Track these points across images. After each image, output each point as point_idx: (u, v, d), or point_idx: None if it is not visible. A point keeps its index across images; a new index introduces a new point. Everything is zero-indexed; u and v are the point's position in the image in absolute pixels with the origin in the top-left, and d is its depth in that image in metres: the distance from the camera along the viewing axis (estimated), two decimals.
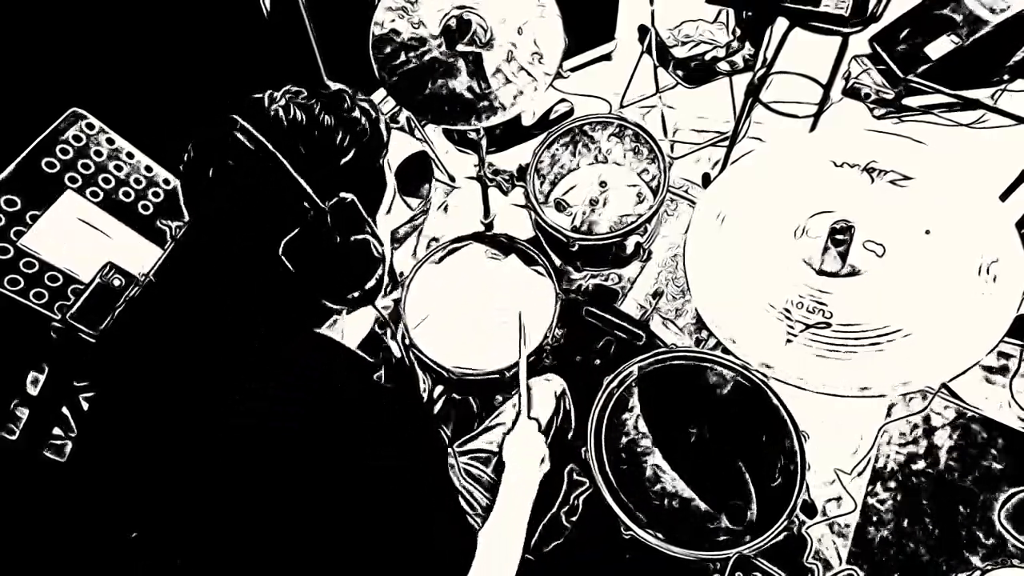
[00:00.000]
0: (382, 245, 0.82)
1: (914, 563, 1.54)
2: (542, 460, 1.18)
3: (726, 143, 2.10)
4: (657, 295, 2.05)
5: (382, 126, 0.82)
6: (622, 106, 2.58)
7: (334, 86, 0.81)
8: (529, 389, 1.29)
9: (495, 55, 1.47)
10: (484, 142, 1.77)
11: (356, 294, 0.81)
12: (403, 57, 1.49)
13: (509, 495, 1.11)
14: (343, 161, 0.75)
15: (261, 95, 0.77)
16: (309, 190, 0.71)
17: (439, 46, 1.48)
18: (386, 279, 0.86)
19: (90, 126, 1.43)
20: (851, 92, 2.46)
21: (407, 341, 1.52)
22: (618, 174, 1.82)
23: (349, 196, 0.75)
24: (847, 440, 1.72)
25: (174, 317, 0.83)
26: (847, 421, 1.74)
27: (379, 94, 2.44)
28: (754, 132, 2.34)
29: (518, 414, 1.24)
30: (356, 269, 0.79)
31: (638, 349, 1.72)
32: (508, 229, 1.72)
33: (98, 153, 1.44)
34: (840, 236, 1.02)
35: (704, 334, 1.94)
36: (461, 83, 1.49)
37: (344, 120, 0.76)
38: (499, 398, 1.58)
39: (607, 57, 2.74)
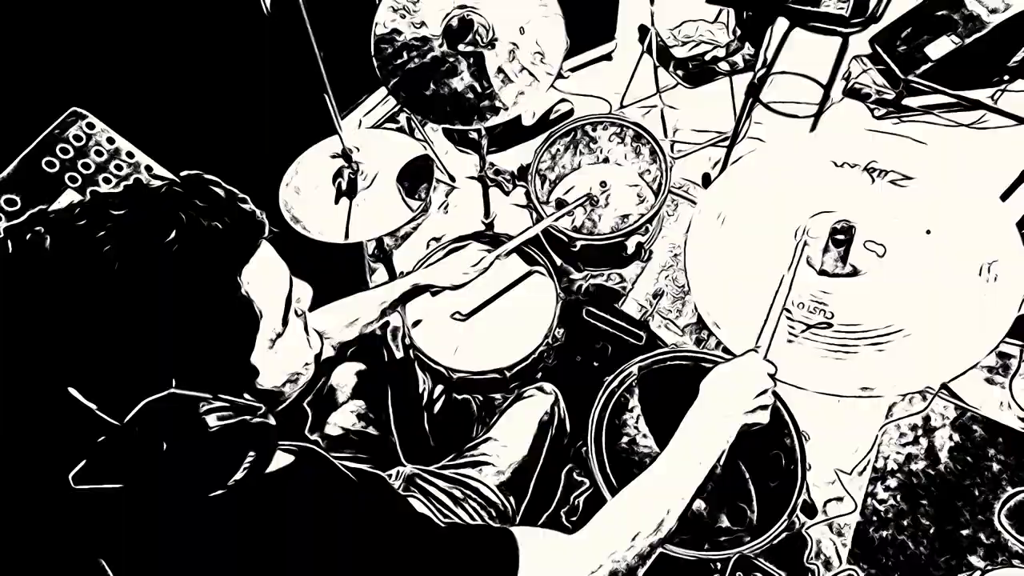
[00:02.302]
0: (256, 406, 0.65)
1: (914, 563, 1.54)
2: (759, 406, 0.89)
3: (726, 143, 2.10)
4: (657, 295, 2.05)
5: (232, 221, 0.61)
6: (622, 106, 2.58)
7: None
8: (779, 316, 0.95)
9: (496, 55, 1.47)
10: (485, 142, 1.77)
11: (221, 491, 0.62)
12: (404, 57, 1.49)
13: (692, 427, 0.87)
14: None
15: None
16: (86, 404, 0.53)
17: (440, 46, 1.48)
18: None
19: (90, 126, 1.43)
20: (851, 92, 2.46)
21: (407, 341, 1.52)
22: (618, 174, 1.82)
23: (166, 392, 0.56)
24: (847, 440, 1.72)
25: None
26: (847, 421, 1.74)
27: (380, 93, 2.45)
28: (754, 132, 2.34)
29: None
30: (204, 468, 0.61)
31: (638, 349, 1.72)
32: (508, 229, 1.72)
33: (98, 153, 1.44)
34: (840, 236, 1.02)
35: (704, 334, 1.94)
36: (462, 83, 1.49)
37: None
38: (498, 398, 1.58)
39: (607, 57, 2.74)
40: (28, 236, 0.54)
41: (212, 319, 0.60)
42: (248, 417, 0.63)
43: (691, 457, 0.84)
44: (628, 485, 0.82)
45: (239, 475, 0.62)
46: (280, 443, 0.71)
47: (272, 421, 0.67)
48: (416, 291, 1.35)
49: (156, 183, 0.61)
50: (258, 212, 0.65)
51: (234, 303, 0.61)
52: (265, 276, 0.66)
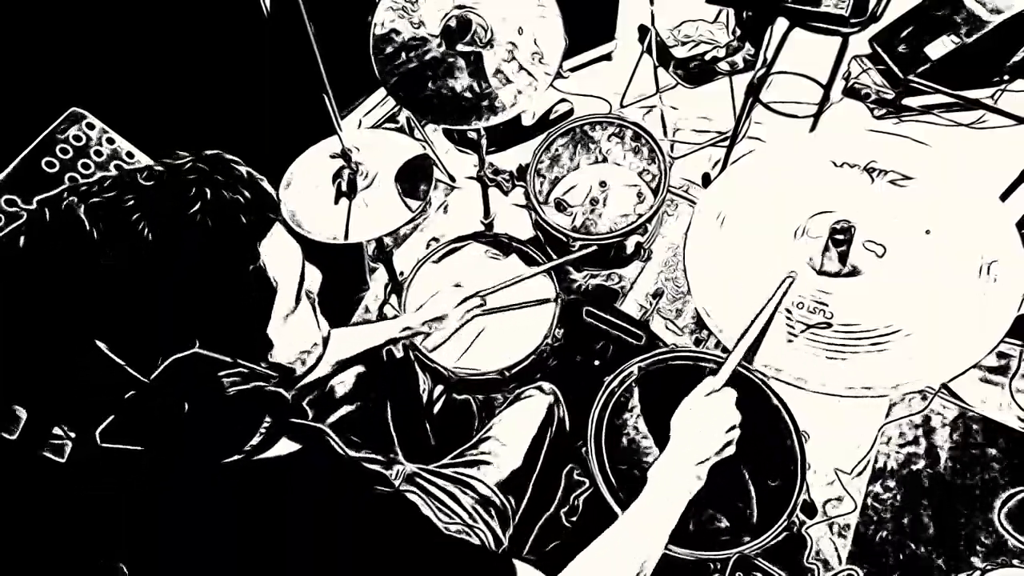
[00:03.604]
0: (272, 375, 0.68)
1: (914, 563, 1.54)
2: (730, 429, 0.93)
3: (726, 143, 2.10)
4: (657, 295, 2.05)
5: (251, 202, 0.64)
6: (622, 106, 2.58)
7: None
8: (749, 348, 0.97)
9: (495, 55, 1.47)
10: (484, 142, 1.76)
11: (237, 456, 0.65)
12: (403, 57, 1.49)
13: (664, 475, 0.89)
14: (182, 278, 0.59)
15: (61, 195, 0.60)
16: (115, 359, 0.56)
17: (439, 46, 1.48)
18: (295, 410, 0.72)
19: (90, 126, 1.43)
20: (851, 92, 2.46)
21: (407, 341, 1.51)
22: (618, 174, 1.81)
23: (190, 351, 0.60)
24: (847, 440, 1.72)
25: None
26: (847, 421, 1.74)
27: (379, 93, 2.45)
28: (754, 132, 2.34)
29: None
30: (223, 431, 0.65)
31: (638, 349, 1.72)
32: (508, 229, 1.72)
33: (98, 153, 1.44)
34: (840, 236, 1.01)
35: (704, 334, 1.94)
36: (461, 83, 1.49)
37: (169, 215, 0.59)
38: (498, 398, 1.58)
39: (607, 57, 2.74)
40: (63, 205, 0.59)
41: (232, 285, 0.63)
42: (264, 384, 0.66)
43: (666, 503, 0.89)
44: (604, 533, 0.86)
45: (255, 440, 0.65)
46: (294, 420, 0.74)
47: (286, 393, 0.70)
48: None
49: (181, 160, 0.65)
50: (274, 192, 0.69)
51: (252, 272, 0.65)
52: (280, 251, 0.69)
